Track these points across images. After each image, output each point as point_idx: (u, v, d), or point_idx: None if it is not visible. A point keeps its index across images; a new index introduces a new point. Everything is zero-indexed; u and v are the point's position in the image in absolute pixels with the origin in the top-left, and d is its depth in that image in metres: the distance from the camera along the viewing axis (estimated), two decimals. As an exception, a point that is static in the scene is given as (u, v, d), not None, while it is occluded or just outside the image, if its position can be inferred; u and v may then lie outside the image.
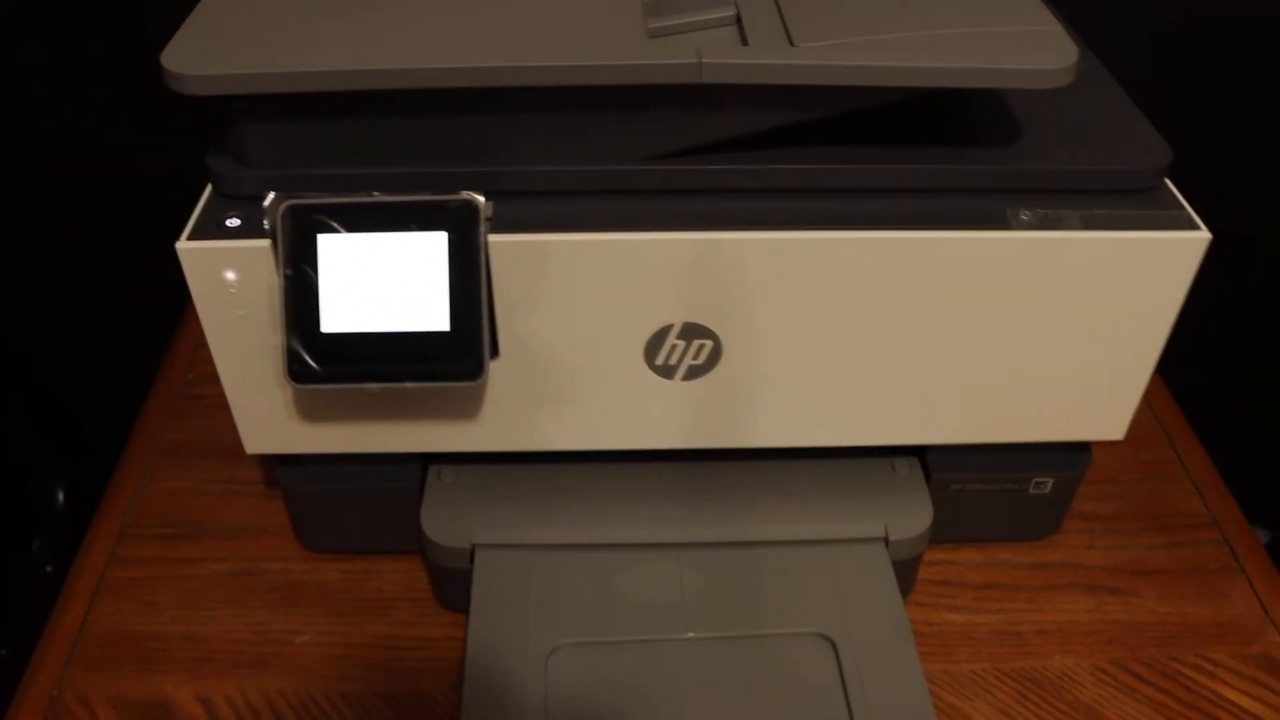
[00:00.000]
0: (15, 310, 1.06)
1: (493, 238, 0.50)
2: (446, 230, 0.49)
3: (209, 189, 0.53)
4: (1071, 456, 0.64)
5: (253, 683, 0.60)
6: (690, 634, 0.57)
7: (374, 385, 0.51)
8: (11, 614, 0.95)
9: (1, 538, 1.00)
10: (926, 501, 0.62)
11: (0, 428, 1.03)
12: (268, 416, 0.56)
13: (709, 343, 0.54)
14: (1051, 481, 0.64)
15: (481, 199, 0.49)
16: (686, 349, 0.54)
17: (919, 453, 0.64)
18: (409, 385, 0.51)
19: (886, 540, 0.61)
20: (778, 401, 0.57)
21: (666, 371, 0.55)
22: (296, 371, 0.50)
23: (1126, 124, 0.56)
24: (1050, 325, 0.54)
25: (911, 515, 0.62)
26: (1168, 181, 0.54)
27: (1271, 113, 0.97)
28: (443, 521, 0.60)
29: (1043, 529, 0.69)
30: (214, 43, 0.49)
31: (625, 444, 0.58)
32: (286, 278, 0.50)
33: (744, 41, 0.51)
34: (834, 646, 0.56)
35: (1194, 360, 0.98)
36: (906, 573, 0.63)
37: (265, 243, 0.50)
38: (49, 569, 1.01)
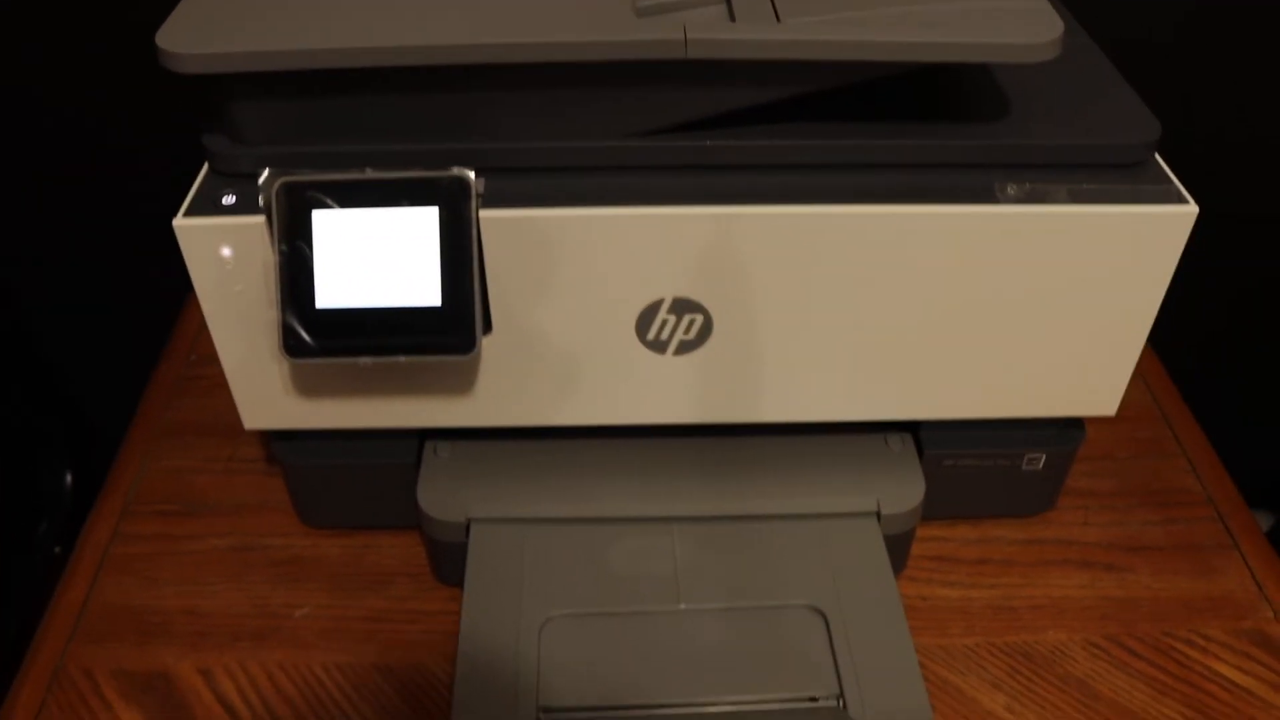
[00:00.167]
0: (21, 298, 1.07)
1: (484, 213, 0.50)
2: (438, 206, 0.50)
3: (205, 167, 0.54)
4: (1064, 433, 0.64)
5: (252, 655, 0.61)
6: (682, 605, 0.57)
7: (367, 359, 0.52)
8: (20, 595, 0.96)
9: (10, 520, 1.01)
10: (919, 476, 0.63)
11: (7, 412, 1.04)
12: (265, 392, 0.57)
13: (699, 317, 0.54)
14: (1044, 457, 0.64)
15: (472, 175, 0.50)
16: (677, 324, 0.54)
17: (912, 428, 0.64)
18: (402, 359, 0.52)
19: (879, 515, 0.61)
20: (769, 376, 0.57)
21: (658, 346, 0.55)
22: (292, 346, 0.51)
23: (1116, 99, 0.56)
24: (1040, 300, 0.54)
25: (904, 490, 0.62)
26: (1157, 157, 0.54)
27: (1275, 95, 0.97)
28: (438, 496, 0.61)
29: (1037, 505, 0.69)
30: (208, 22, 0.49)
31: (618, 419, 0.59)
32: (281, 253, 0.50)
33: (732, 18, 0.51)
34: (825, 619, 0.57)
35: (1196, 344, 0.98)
36: (899, 548, 0.63)
37: (260, 219, 0.51)
38: (57, 550, 1.02)
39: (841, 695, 0.54)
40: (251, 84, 0.49)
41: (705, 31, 0.47)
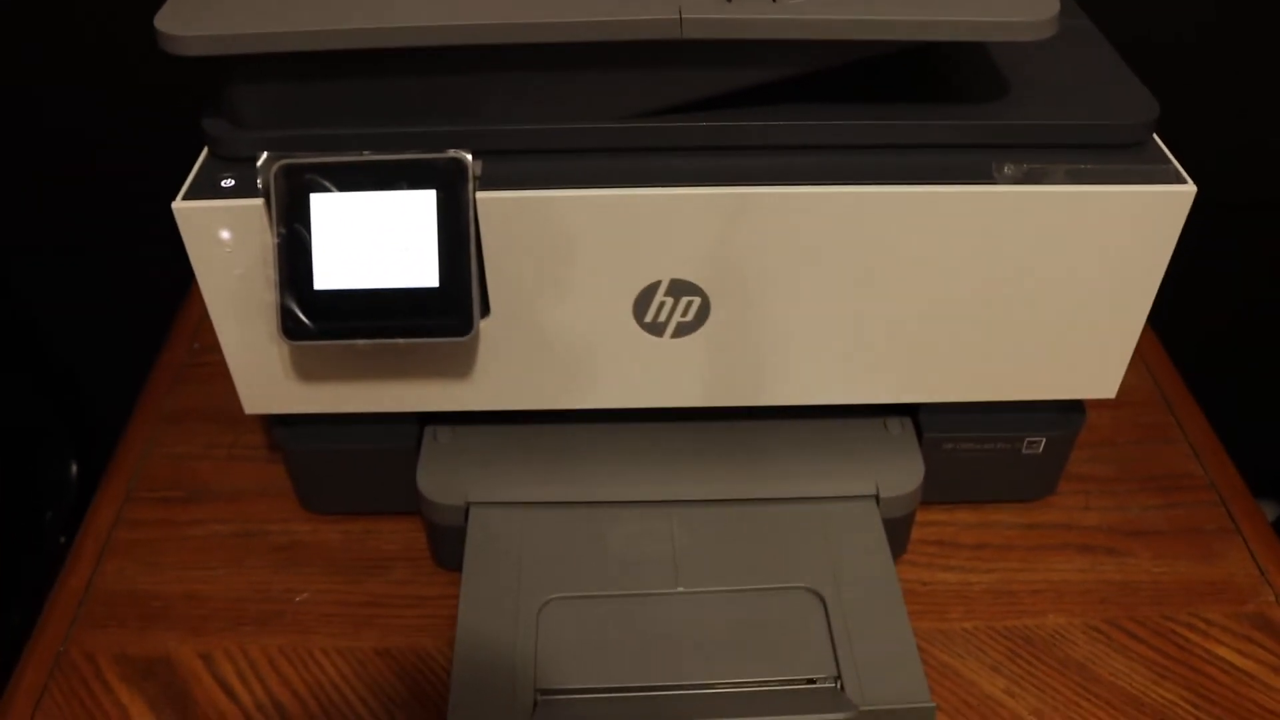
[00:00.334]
0: (25, 292, 1.08)
1: (481, 194, 0.50)
2: (435, 188, 0.50)
3: (204, 151, 0.54)
4: (1064, 417, 0.64)
5: (253, 640, 0.62)
6: (680, 588, 0.57)
7: (366, 341, 0.52)
8: (25, 584, 0.97)
9: (16, 511, 1.02)
10: (918, 460, 0.63)
11: (13, 404, 1.04)
12: (265, 376, 0.57)
13: (697, 299, 0.54)
14: (1044, 441, 0.64)
15: (469, 157, 0.50)
16: (675, 306, 0.55)
17: (911, 411, 0.64)
18: (400, 341, 0.52)
19: (878, 498, 0.61)
20: (767, 359, 0.57)
21: (656, 329, 0.55)
22: (290, 328, 0.51)
23: (1114, 80, 0.56)
24: (1038, 280, 0.54)
25: (902, 473, 0.62)
26: (1156, 137, 0.54)
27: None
28: (438, 480, 0.61)
29: (1037, 490, 0.69)
30: (206, 5, 0.50)
31: (617, 402, 0.59)
32: (280, 236, 0.51)
33: (728, -2, 0.51)
34: (823, 602, 0.57)
35: (1201, 337, 0.98)
36: (898, 531, 0.63)
37: (259, 202, 0.51)
38: (62, 539, 1.02)
39: (839, 678, 0.54)
40: (250, 66, 0.49)
41: (701, 11, 0.47)
